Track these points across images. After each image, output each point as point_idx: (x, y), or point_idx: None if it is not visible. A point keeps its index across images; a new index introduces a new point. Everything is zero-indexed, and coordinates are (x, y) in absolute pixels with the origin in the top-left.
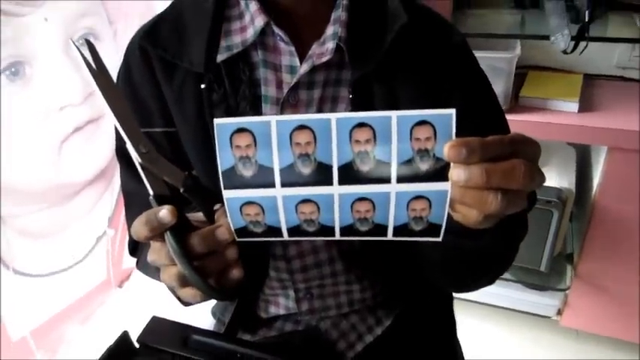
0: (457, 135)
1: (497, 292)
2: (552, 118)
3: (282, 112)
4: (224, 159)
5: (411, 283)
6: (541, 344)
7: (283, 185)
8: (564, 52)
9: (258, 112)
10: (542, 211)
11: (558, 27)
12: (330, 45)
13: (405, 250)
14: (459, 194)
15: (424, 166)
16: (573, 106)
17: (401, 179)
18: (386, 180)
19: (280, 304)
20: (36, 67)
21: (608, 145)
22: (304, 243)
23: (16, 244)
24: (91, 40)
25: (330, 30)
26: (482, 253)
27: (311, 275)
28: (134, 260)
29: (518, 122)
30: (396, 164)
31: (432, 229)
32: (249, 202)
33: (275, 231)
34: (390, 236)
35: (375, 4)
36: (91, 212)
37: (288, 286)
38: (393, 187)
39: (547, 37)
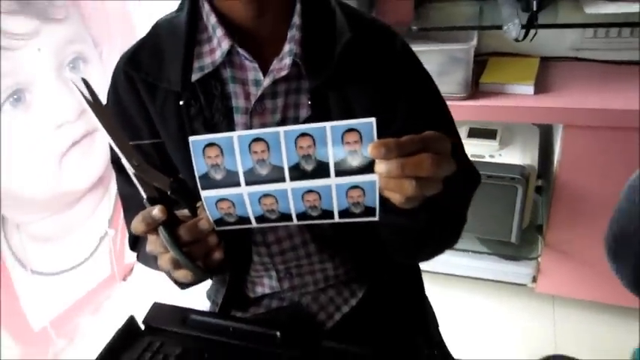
0: (380, 135)
1: (475, 265)
2: (510, 102)
3: (251, 120)
4: (199, 167)
5: (378, 260)
6: (521, 311)
7: (247, 184)
8: (516, 40)
9: (231, 121)
10: (508, 187)
11: (510, 17)
12: (288, 61)
13: (369, 232)
14: (384, 183)
15: (355, 162)
16: (529, 89)
17: (338, 174)
18: (326, 175)
19: (265, 284)
20: (34, 92)
21: (563, 123)
22: (280, 230)
23: (30, 248)
24: (80, 63)
25: (286, 47)
26: (420, 227)
27: (288, 257)
28: (135, 255)
29: (479, 108)
30: (332, 163)
31: (369, 211)
32: (222, 199)
33: (245, 220)
34: (336, 219)
35: (324, 23)
36: (93, 215)
37: (270, 268)
38: (333, 181)
39: (501, 27)
